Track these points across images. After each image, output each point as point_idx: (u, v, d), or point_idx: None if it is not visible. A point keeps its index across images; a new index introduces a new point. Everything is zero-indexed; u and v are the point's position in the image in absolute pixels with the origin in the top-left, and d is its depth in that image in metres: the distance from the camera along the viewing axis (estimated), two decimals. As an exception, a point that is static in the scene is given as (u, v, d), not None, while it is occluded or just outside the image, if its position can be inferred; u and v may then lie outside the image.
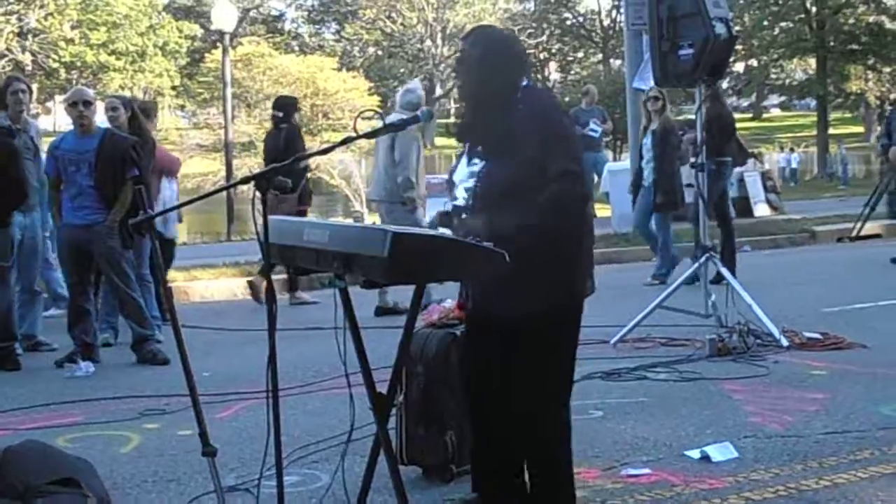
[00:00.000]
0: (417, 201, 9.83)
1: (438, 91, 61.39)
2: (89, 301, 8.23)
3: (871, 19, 48.01)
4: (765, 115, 73.25)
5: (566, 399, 4.04)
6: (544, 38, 65.39)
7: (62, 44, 49.00)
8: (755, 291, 8.48)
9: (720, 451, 5.14)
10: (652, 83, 10.45)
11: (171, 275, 10.83)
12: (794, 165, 45.02)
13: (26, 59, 49.61)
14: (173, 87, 49.28)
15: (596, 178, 17.15)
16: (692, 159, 11.98)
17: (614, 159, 30.42)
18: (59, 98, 50.04)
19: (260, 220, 3.63)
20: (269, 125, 12.41)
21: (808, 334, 7.99)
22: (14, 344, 8.13)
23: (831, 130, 51.48)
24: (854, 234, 15.65)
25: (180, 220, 11.03)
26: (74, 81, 46.14)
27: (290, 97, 13.11)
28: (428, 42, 63.95)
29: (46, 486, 4.09)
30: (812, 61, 51.30)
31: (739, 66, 54.20)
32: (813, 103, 55.73)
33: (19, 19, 49.77)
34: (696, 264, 8.59)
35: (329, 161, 26.59)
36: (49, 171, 8.33)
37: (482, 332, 4.05)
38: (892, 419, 5.74)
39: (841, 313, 9.20)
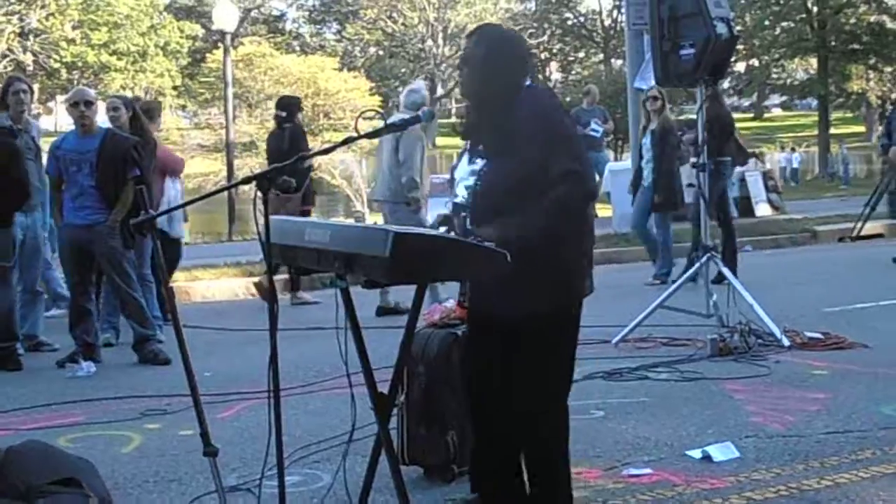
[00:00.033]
0: (421, 201, 9.83)
1: (440, 91, 61.38)
2: (91, 301, 8.24)
3: (872, 19, 48.02)
4: (766, 115, 73.25)
5: (565, 399, 4.04)
6: (545, 37, 65.36)
7: (63, 44, 49.01)
8: (756, 291, 8.48)
9: (721, 451, 5.14)
10: (653, 83, 10.46)
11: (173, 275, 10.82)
12: (795, 165, 45.02)
13: (28, 59, 49.63)
14: (174, 88, 49.33)
15: (597, 177, 17.14)
16: (692, 159, 12.04)
17: (615, 159, 30.40)
18: (60, 98, 50.06)
19: (261, 220, 3.62)
20: (270, 125, 12.43)
21: (809, 334, 7.99)
22: (16, 344, 8.14)
23: (832, 130, 51.49)
24: (854, 234, 15.65)
25: (186, 220, 11.01)
26: (76, 81, 46.16)
27: (294, 97, 13.12)
28: (429, 42, 63.95)
29: (48, 486, 4.09)
30: (813, 61, 51.32)
31: (741, 66, 54.26)
32: (814, 103, 55.73)
33: (21, 19, 49.77)
34: (698, 264, 8.59)
35: (330, 161, 26.59)
36: (50, 171, 8.33)
37: (483, 331, 4.05)
38: (894, 419, 5.74)
39: (842, 313, 9.20)
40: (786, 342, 7.74)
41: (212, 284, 12.32)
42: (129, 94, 35.17)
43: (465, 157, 4.11)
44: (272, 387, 3.62)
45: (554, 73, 67.40)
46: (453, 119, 56.08)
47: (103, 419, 6.33)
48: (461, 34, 60.68)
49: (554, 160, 3.76)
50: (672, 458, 5.15)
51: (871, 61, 49.29)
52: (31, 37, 50.13)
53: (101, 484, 4.39)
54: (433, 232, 3.79)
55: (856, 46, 47.90)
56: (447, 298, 5.24)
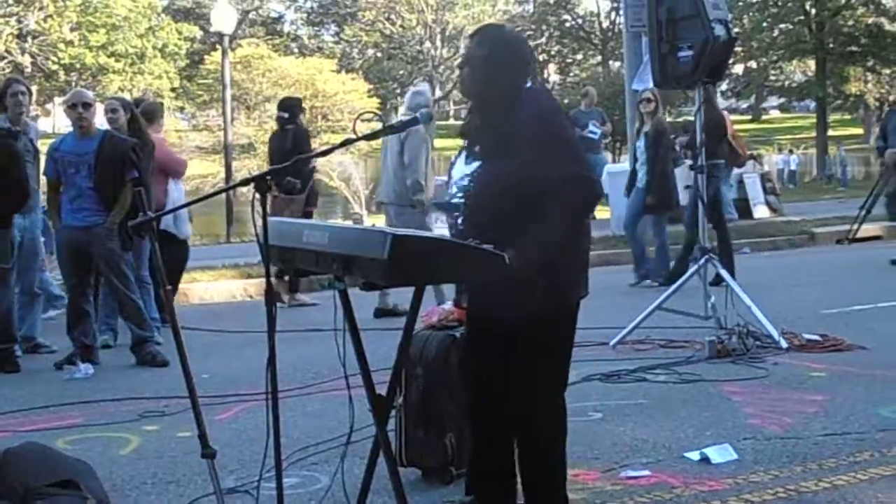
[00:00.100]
0: (426, 204, 9.83)
1: (438, 93, 61.40)
2: (89, 303, 8.23)
3: (870, 21, 48.08)
4: (764, 117, 73.30)
5: (561, 400, 4.04)
6: (543, 39, 65.39)
7: (61, 46, 48.98)
8: (754, 293, 8.48)
9: (719, 453, 5.14)
10: (651, 85, 10.46)
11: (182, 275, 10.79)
12: (793, 167, 45.04)
13: (26, 61, 49.59)
14: (173, 89, 49.26)
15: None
16: (686, 161, 12.07)
17: (613, 161, 30.46)
18: (58, 100, 50.02)
19: (260, 222, 3.62)
20: (268, 127, 12.45)
21: (807, 336, 7.99)
22: (13, 346, 8.13)
23: (830, 132, 51.51)
24: (851, 236, 15.65)
25: (190, 220, 11.00)
26: (74, 83, 46.14)
27: (295, 98, 13.11)
28: (427, 44, 64.02)
29: (46, 487, 4.09)
30: (811, 63, 51.37)
31: (739, 68, 54.32)
32: (812, 105, 55.78)
33: (19, 21, 49.75)
34: (696, 266, 8.59)
35: (328, 163, 26.59)
36: (49, 173, 8.33)
37: (482, 333, 4.05)
38: (892, 421, 5.74)
39: (840, 315, 9.20)
40: (784, 344, 7.74)
41: (210, 286, 12.32)
42: (127, 95, 35.20)
43: (463, 157, 4.10)
44: (270, 388, 3.62)
45: (552, 74, 67.44)
46: (451, 121, 56.13)
47: (101, 421, 6.33)
48: (459, 36, 60.80)
49: (555, 163, 3.76)
50: (670, 460, 5.15)
51: (869, 63, 49.33)
52: (29, 38, 50.10)
53: (99, 486, 4.39)
54: (432, 234, 3.79)
55: (854, 48, 47.94)
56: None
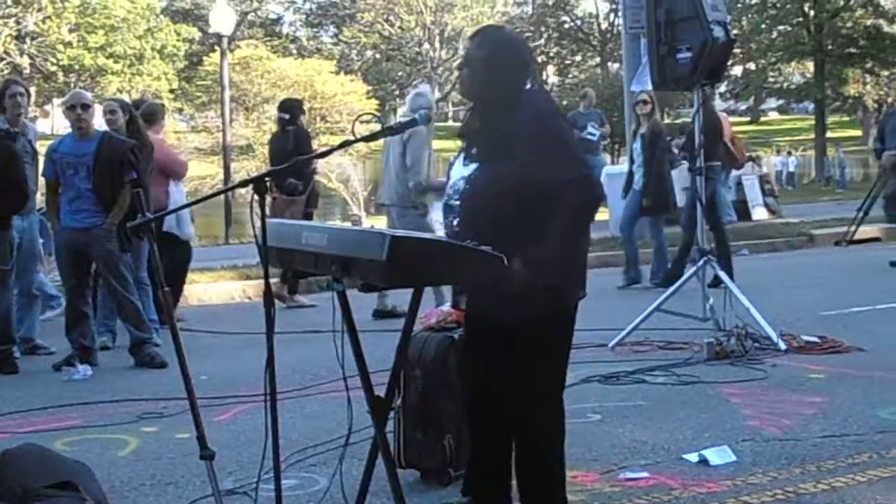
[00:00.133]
0: (429, 206, 9.82)
1: (437, 94, 61.39)
2: (87, 304, 8.23)
3: (868, 23, 48.08)
4: (763, 119, 73.31)
5: (559, 401, 4.04)
6: (542, 41, 65.36)
7: (60, 47, 48.95)
8: (753, 295, 8.49)
9: (718, 455, 5.14)
10: (650, 87, 10.47)
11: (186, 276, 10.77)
12: (791, 169, 45.06)
13: (24, 62, 49.56)
14: (171, 91, 49.24)
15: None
16: (683, 163, 12.09)
17: (612, 163, 30.44)
18: (57, 101, 50.01)
19: (258, 224, 3.62)
20: (267, 128, 12.46)
21: (805, 338, 7.99)
22: (12, 347, 8.13)
23: (829, 134, 51.52)
24: (848, 238, 15.65)
25: (192, 220, 10.99)
26: (72, 85, 46.09)
27: (296, 99, 13.12)
28: (426, 45, 64.02)
29: (44, 489, 4.09)
30: (810, 65, 51.36)
31: (737, 70, 54.31)
32: (811, 107, 55.78)
33: (17, 22, 49.73)
34: (695, 268, 8.59)
35: (327, 165, 26.61)
36: (47, 174, 8.32)
37: (481, 334, 4.05)
38: (890, 422, 5.75)
39: (839, 317, 9.21)
40: (782, 346, 7.74)
41: (208, 288, 12.32)
42: (126, 97, 35.20)
43: (461, 159, 4.11)
44: (269, 390, 3.62)
45: (551, 76, 67.44)
46: (450, 122, 56.15)
47: (100, 422, 6.33)
48: (458, 38, 60.82)
49: (554, 165, 3.76)
50: (669, 462, 5.15)
51: (868, 65, 49.32)
52: (27, 40, 50.08)
53: (98, 487, 4.39)
54: (430, 235, 3.79)
55: (852, 50, 47.94)
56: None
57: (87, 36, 49.31)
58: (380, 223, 10.35)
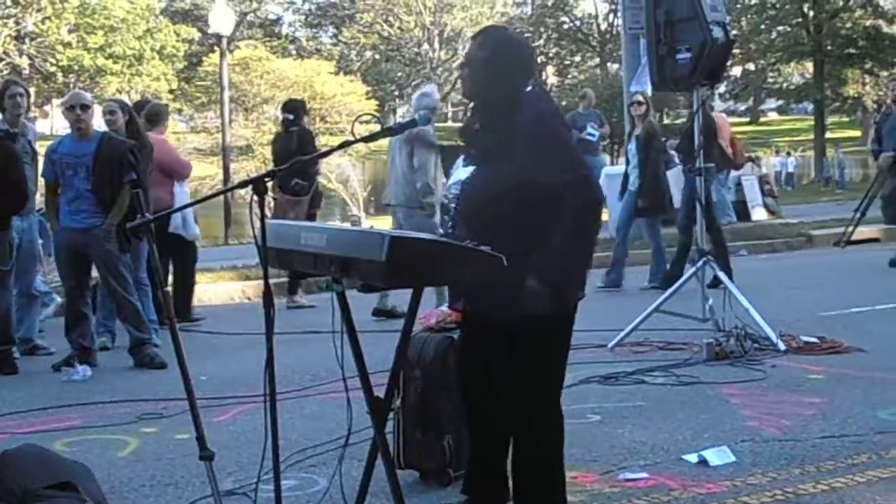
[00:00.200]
0: (436, 206, 9.82)
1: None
2: (87, 305, 8.23)
3: (868, 23, 48.12)
4: (762, 119, 73.33)
5: (557, 402, 4.04)
6: (541, 41, 65.39)
7: (59, 47, 48.92)
8: (752, 295, 8.49)
9: (717, 456, 5.14)
10: (650, 87, 10.47)
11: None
12: (791, 169, 45.09)
13: (24, 62, 49.53)
14: (171, 91, 49.21)
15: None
16: (677, 164, 12.09)
17: (611, 163, 30.44)
18: (56, 102, 49.99)
19: (258, 224, 3.62)
20: (266, 129, 12.46)
21: (805, 338, 7.99)
22: (11, 348, 8.13)
23: (828, 134, 51.56)
24: (845, 239, 15.63)
25: (195, 220, 11.01)
26: (72, 85, 46.06)
27: (299, 100, 13.13)
28: (425, 46, 64.02)
29: (44, 490, 4.09)
30: (809, 65, 51.40)
31: (737, 70, 54.34)
32: (810, 107, 55.80)
33: (17, 23, 49.70)
34: (694, 269, 8.59)
35: (326, 165, 26.63)
36: (46, 174, 8.32)
37: (479, 334, 4.05)
38: (890, 423, 5.74)
39: (838, 317, 9.21)
40: (782, 346, 7.74)
41: (208, 288, 12.32)
42: (125, 97, 35.21)
43: (461, 160, 4.11)
44: (268, 391, 3.62)
45: (550, 76, 67.46)
46: (450, 123, 56.14)
47: (99, 423, 6.33)
48: (457, 38, 60.85)
49: (554, 167, 3.76)
50: (668, 463, 5.15)
51: (867, 65, 49.34)
52: (27, 40, 50.05)
53: (98, 488, 4.39)
54: (430, 236, 3.79)
55: (852, 51, 47.97)
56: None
57: (86, 36, 49.28)
58: (379, 223, 10.34)
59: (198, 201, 4.84)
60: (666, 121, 36.71)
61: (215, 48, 33.56)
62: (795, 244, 16.16)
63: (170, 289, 9.34)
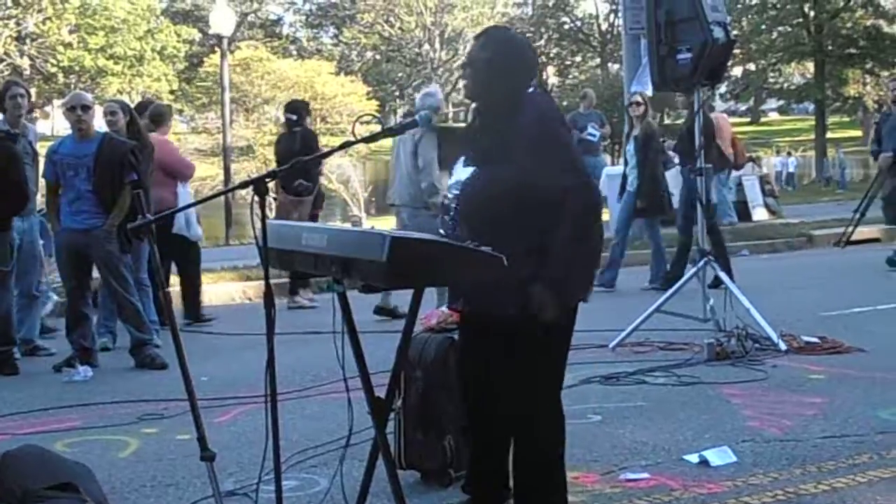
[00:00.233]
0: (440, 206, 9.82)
1: (436, 95, 61.30)
2: (87, 305, 8.23)
3: (868, 23, 48.12)
4: (763, 119, 73.38)
5: (557, 402, 4.04)
6: (542, 42, 65.36)
7: (60, 48, 48.92)
8: (753, 296, 8.48)
9: (718, 456, 5.14)
10: (650, 87, 10.47)
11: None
12: (791, 169, 45.08)
13: (24, 63, 49.53)
14: (171, 92, 49.20)
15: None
16: (675, 165, 12.08)
17: (612, 163, 30.43)
18: (57, 102, 49.99)
19: (258, 225, 3.62)
20: (267, 129, 12.46)
21: (806, 338, 7.99)
22: (12, 348, 8.13)
23: (829, 134, 51.55)
24: (845, 239, 15.62)
25: (198, 221, 11.03)
26: (73, 86, 46.06)
27: (302, 101, 13.15)
28: (426, 46, 63.99)
29: (44, 490, 4.09)
30: (810, 65, 51.39)
31: (737, 71, 54.30)
32: (811, 107, 55.79)
33: (17, 24, 49.70)
34: (695, 269, 8.59)
35: (327, 166, 26.62)
36: (47, 175, 8.32)
37: (479, 334, 4.05)
38: (891, 423, 5.74)
39: (839, 317, 9.21)
40: (783, 346, 7.74)
41: (209, 289, 12.28)
42: (126, 98, 35.22)
43: (461, 160, 4.11)
44: (269, 391, 3.62)
45: (551, 77, 67.45)
46: (450, 123, 56.10)
47: (100, 424, 6.33)
48: (458, 38, 60.83)
49: (554, 170, 3.76)
50: (669, 463, 5.15)
51: (868, 65, 49.35)
52: (27, 41, 50.05)
53: (98, 489, 4.39)
54: (430, 236, 3.79)
55: (852, 51, 47.97)
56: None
57: (87, 37, 49.28)
58: (380, 224, 10.35)
59: (199, 202, 4.84)
60: (667, 121, 36.70)
61: (216, 49, 33.56)
62: (796, 244, 16.16)
63: (171, 290, 9.33)
